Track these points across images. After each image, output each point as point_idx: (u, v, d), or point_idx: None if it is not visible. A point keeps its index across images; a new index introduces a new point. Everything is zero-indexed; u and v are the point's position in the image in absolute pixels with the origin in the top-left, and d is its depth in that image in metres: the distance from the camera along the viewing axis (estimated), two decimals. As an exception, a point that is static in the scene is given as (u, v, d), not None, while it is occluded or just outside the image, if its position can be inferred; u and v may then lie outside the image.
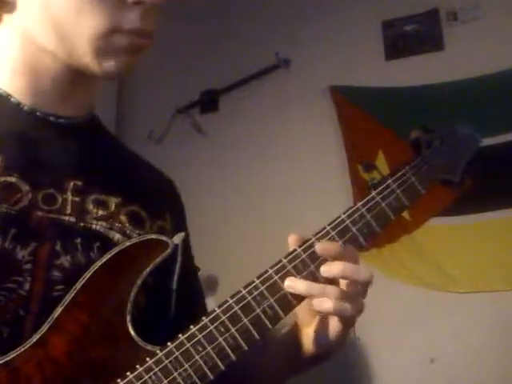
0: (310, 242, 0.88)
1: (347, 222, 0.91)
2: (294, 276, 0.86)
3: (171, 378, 0.80)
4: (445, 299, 2.57)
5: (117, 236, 0.90)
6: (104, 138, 1.03)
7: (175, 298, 0.91)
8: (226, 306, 0.84)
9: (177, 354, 0.81)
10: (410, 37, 2.92)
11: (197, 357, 0.81)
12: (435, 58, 2.84)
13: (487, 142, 2.39)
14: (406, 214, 2.56)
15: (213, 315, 0.83)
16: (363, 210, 0.92)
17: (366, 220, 0.91)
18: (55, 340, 0.79)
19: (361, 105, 2.93)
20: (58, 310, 0.81)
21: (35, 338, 0.79)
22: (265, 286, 0.85)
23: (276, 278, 0.86)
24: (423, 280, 2.63)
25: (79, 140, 0.94)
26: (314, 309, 0.86)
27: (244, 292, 0.85)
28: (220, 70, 3.26)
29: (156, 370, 0.80)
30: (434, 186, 1.00)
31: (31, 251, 0.82)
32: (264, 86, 3.16)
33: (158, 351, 0.81)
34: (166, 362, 0.80)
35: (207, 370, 0.81)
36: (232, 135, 3.17)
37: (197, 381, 0.80)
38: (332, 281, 0.87)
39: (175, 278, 0.90)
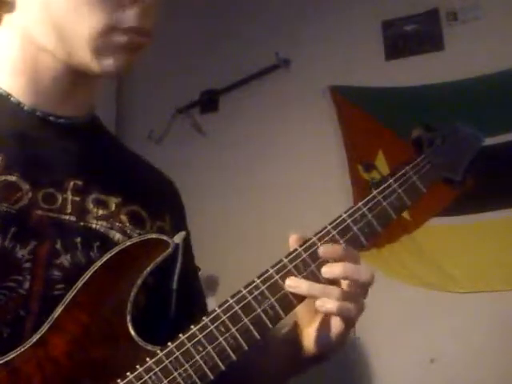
0: (311, 241, 0.88)
1: (348, 221, 0.90)
2: (295, 276, 0.86)
3: (171, 377, 0.79)
4: (445, 299, 2.57)
5: (117, 235, 0.90)
6: (104, 138, 1.03)
7: (175, 298, 0.91)
8: (226, 305, 0.84)
9: (177, 354, 0.80)
10: (410, 37, 2.92)
11: (197, 357, 0.81)
12: (435, 58, 2.84)
13: (487, 141, 2.37)
14: (406, 214, 2.56)
15: (213, 315, 0.83)
16: (364, 209, 0.92)
17: (367, 219, 0.91)
18: (55, 340, 0.79)
19: (361, 105, 2.93)
20: (58, 310, 0.80)
21: (35, 338, 0.79)
22: (265, 285, 0.85)
23: (277, 277, 0.86)
24: (423, 280, 2.63)
25: (79, 140, 0.94)
26: (317, 309, 0.86)
27: (244, 292, 0.84)
28: (220, 70, 3.26)
29: (156, 370, 0.79)
30: (435, 185, 1.00)
31: (31, 250, 0.82)
32: (264, 86, 3.16)
33: (158, 351, 0.81)
34: (167, 362, 0.80)
35: (207, 370, 0.81)
36: (232, 135, 3.16)
37: (197, 381, 0.80)
38: (333, 281, 0.87)
39: (175, 277, 0.90)
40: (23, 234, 0.82)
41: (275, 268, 0.86)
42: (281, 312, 0.85)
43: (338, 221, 0.90)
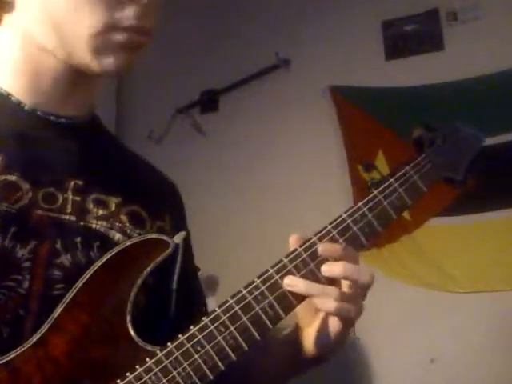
0: (311, 241, 0.88)
1: (348, 221, 0.90)
2: (295, 275, 0.86)
3: (171, 377, 0.79)
4: (445, 299, 2.57)
5: (117, 235, 0.90)
6: (104, 138, 1.03)
7: (175, 298, 0.91)
8: (226, 305, 0.84)
9: (177, 354, 0.80)
10: (410, 37, 2.92)
11: (196, 356, 0.81)
12: (435, 58, 2.84)
13: (487, 141, 2.37)
14: (406, 214, 2.56)
15: (213, 315, 0.83)
16: (365, 209, 0.92)
17: (367, 219, 0.91)
18: (55, 340, 0.79)
19: (361, 105, 2.93)
20: (58, 310, 0.80)
21: (35, 337, 0.79)
22: (265, 285, 0.85)
23: (277, 277, 0.86)
24: (423, 280, 2.63)
25: (80, 139, 0.94)
26: (317, 307, 0.86)
27: (244, 292, 0.84)
28: (220, 70, 3.26)
29: (156, 370, 0.79)
30: (436, 185, 1.00)
31: (31, 249, 0.82)
32: (264, 86, 3.16)
33: (157, 351, 0.81)
34: (166, 362, 0.80)
35: (207, 370, 0.81)
36: (232, 135, 3.17)
37: (196, 381, 0.80)
38: (332, 282, 0.87)
39: (175, 277, 0.90)
40: (23, 233, 0.82)
41: (275, 268, 0.86)
42: (281, 312, 0.85)
43: (338, 221, 0.90)
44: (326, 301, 0.85)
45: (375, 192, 0.94)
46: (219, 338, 0.82)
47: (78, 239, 0.86)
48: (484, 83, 2.66)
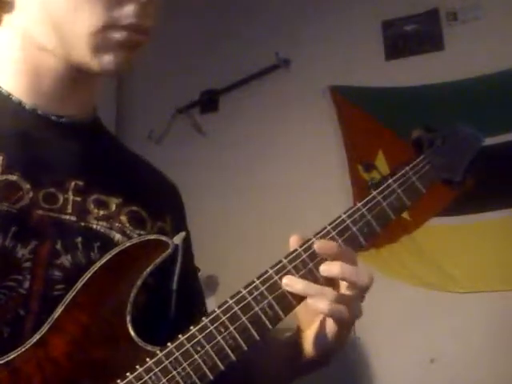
0: (311, 242, 0.88)
1: (348, 221, 0.91)
2: (294, 276, 0.86)
3: (171, 377, 0.79)
4: (445, 299, 2.57)
5: (117, 236, 0.90)
6: (105, 139, 1.03)
7: (175, 299, 0.91)
8: (226, 306, 0.84)
9: (177, 354, 0.80)
10: (410, 37, 2.92)
11: (196, 356, 0.81)
12: (435, 58, 2.84)
13: (487, 141, 2.37)
14: (405, 214, 2.56)
15: (213, 316, 0.83)
16: (364, 209, 0.92)
17: (366, 220, 0.91)
18: (55, 340, 0.79)
19: (361, 105, 2.93)
20: (58, 311, 0.81)
21: (35, 338, 0.79)
22: (265, 286, 0.85)
23: (276, 278, 0.86)
24: (423, 280, 2.63)
25: (81, 140, 0.94)
26: (310, 307, 0.86)
27: (244, 292, 0.85)
28: (220, 70, 3.26)
29: (156, 370, 0.80)
30: (435, 186, 1.00)
31: (31, 249, 0.83)
32: (264, 86, 3.16)
33: (157, 352, 0.81)
34: (166, 362, 0.80)
35: (207, 370, 0.81)
36: (232, 135, 3.17)
37: (196, 381, 0.80)
38: (331, 283, 0.87)
39: (175, 278, 0.90)
40: (24, 233, 0.83)
41: (275, 269, 0.86)
42: (280, 312, 0.85)
43: (337, 221, 0.90)
44: (320, 301, 0.84)
45: (374, 193, 0.94)
46: (219, 338, 0.82)
47: (79, 240, 0.87)
48: (484, 83, 2.66)
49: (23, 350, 0.78)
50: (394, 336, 2.60)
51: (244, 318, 0.83)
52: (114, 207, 0.91)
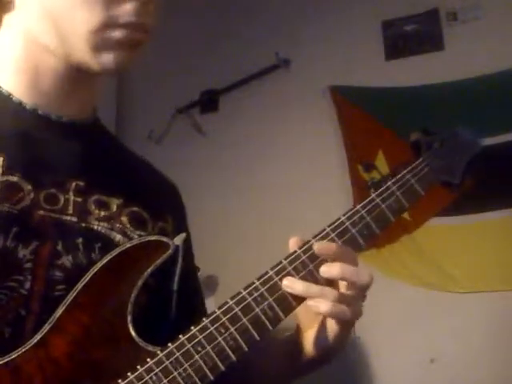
0: (310, 243, 0.88)
1: (347, 223, 0.91)
2: (294, 277, 0.86)
3: (171, 378, 0.80)
4: (445, 299, 2.57)
5: (118, 237, 0.90)
6: (106, 140, 1.03)
7: (176, 299, 0.91)
8: (226, 307, 0.84)
9: (177, 354, 0.81)
10: (410, 37, 2.92)
11: (197, 357, 0.81)
12: (435, 58, 2.84)
13: (487, 141, 2.39)
14: (405, 214, 2.56)
15: (213, 316, 0.83)
16: (363, 211, 0.92)
17: (365, 222, 0.92)
18: (56, 341, 0.79)
19: (361, 105, 2.93)
20: (59, 311, 0.81)
21: (36, 338, 0.79)
22: (265, 287, 0.85)
23: (276, 279, 0.86)
24: (423, 280, 2.63)
25: (81, 140, 0.94)
26: (312, 309, 0.86)
27: (244, 293, 0.85)
28: (220, 70, 3.26)
29: (157, 370, 0.80)
30: (434, 187, 1.00)
31: (32, 250, 0.83)
32: (264, 86, 3.16)
33: (158, 352, 0.81)
34: (167, 362, 0.80)
35: (207, 371, 0.81)
36: (232, 135, 3.17)
37: (197, 381, 0.81)
38: (332, 283, 0.87)
39: (176, 279, 0.90)
40: (25, 234, 0.83)
41: (275, 270, 0.87)
42: (280, 313, 0.85)
43: (336, 223, 0.91)
44: (321, 303, 0.85)
45: (373, 195, 0.94)
46: (219, 338, 0.82)
47: (80, 240, 0.87)
48: (484, 83, 2.66)
49: (24, 350, 0.78)
50: (394, 336, 2.60)
51: (244, 319, 0.83)
52: (114, 208, 0.92)
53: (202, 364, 0.81)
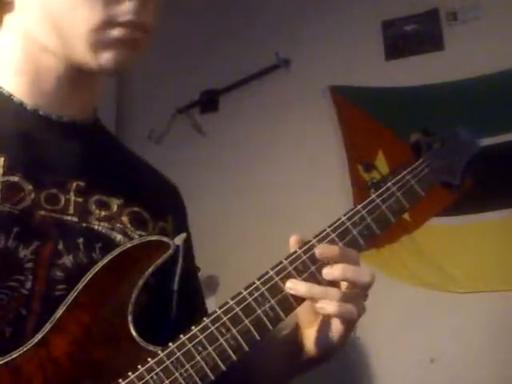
0: (311, 243, 0.89)
1: (347, 224, 0.91)
2: (295, 277, 0.87)
3: (172, 378, 0.80)
4: (445, 299, 2.57)
5: (118, 237, 0.90)
6: (107, 140, 1.03)
7: (176, 299, 0.91)
8: (226, 307, 0.84)
9: (178, 354, 0.81)
10: (410, 37, 2.92)
11: (198, 357, 0.81)
12: (435, 58, 2.84)
13: (487, 141, 2.39)
14: (405, 215, 2.56)
15: (214, 316, 0.83)
16: (363, 212, 0.92)
17: (366, 222, 0.92)
18: (57, 340, 0.79)
19: (361, 105, 2.93)
20: (60, 311, 0.81)
21: (37, 338, 0.79)
22: (266, 287, 0.86)
23: (277, 279, 0.86)
24: (423, 280, 2.63)
25: (82, 141, 0.94)
26: (318, 312, 0.86)
27: (245, 293, 0.85)
28: (220, 70, 3.26)
29: (157, 370, 0.80)
30: (434, 188, 1.01)
31: (33, 250, 0.83)
32: (264, 86, 3.16)
33: (159, 351, 0.81)
34: (168, 362, 0.80)
35: (208, 371, 0.81)
36: (232, 135, 3.16)
37: (198, 381, 0.81)
38: (333, 282, 0.87)
39: (176, 278, 0.90)
40: (26, 234, 0.83)
41: (275, 270, 0.87)
42: (281, 313, 0.85)
43: (337, 223, 0.91)
44: (329, 303, 0.85)
45: (373, 196, 0.94)
46: (220, 338, 0.82)
47: (80, 240, 0.87)
48: (484, 83, 2.66)
49: (25, 349, 0.78)
50: (394, 336, 2.60)
51: (245, 319, 0.84)
52: (115, 208, 0.92)
53: (203, 364, 0.81)
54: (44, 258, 0.83)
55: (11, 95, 0.90)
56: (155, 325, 0.89)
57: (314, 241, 0.89)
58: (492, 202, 2.55)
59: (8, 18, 0.91)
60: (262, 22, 3.22)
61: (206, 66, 3.28)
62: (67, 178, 0.89)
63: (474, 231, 2.59)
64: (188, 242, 0.99)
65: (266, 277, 0.86)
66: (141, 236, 0.91)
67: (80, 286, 0.82)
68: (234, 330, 0.83)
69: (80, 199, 0.89)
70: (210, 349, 0.82)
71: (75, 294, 0.82)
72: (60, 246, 0.85)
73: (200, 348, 0.81)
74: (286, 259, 0.88)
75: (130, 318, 0.83)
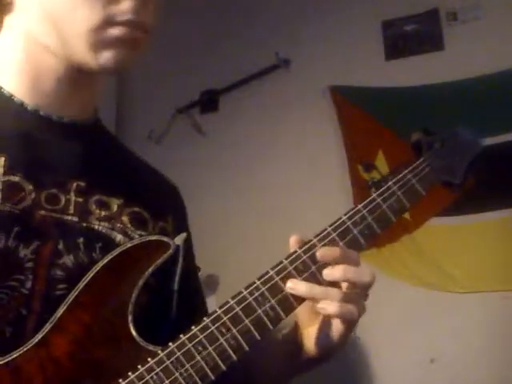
0: (311, 243, 0.89)
1: (348, 223, 0.91)
2: (295, 277, 0.87)
3: (172, 378, 0.80)
4: (445, 299, 2.57)
5: (119, 237, 0.90)
6: (107, 140, 1.03)
7: (176, 299, 0.91)
8: (227, 306, 0.84)
9: (178, 354, 0.81)
10: (410, 37, 2.92)
11: (198, 357, 0.81)
12: (435, 58, 2.84)
13: (487, 141, 2.39)
14: (406, 214, 2.56)
15: (214, 316, 0.83)
16: (364, 211, 0.92)
17: (367, 222, 0.92)
18: (57, 340, 0.80)
19: (361, 105, 2.92)
20: (60, 310, 0.81)
21: (37, 338, 0.79)
22: (266, 287, 0.86)
23: (277, 279, 0.86)
24: (423, 280, 2.63)
25: (82, 141, 0.94)
26: (319, 312, 0.86)
27: (245, 293, 0.85)
28: (220, 70, 3.26)
29: (157, 370, 0.80)
30: (435, 187, 1.01)
31: (34, 250, 0.83)
32: (264, 86, 3.16)
33: (159, 351, 0.81)
34: (168, 362, 0.80)
35: (208, 371, 0.81)
36: (232, 135, 3.16)
37: (198, 381, 0.81)
38: (333, 283, 0.87)
39: (177, 278, 0.90)
40: (26, 233, 0.83)
41: (275, 269, 0.87)
42: (281, 313, 0.85)
43: (337, 223, 0.91)
44: (329, 304, 0.85)
45: (374, 195, 0.94)
46: (220, 338, 0.82)
47: (81, 240, 0.87)
48: (484, 83, 2.66)
49: (25, 349, 0.78)
50: (393, 336, 2.60)
51: (245, 319, 0.84)
52: (115, 208, 0.92)
53: (203, 364, 0.81)
54: (44, 257, 0.83)
55: (12, 95, 0.90)
56: (155, 325, 0.89)
57: (315, 240, 0.89)
58: (492, 201, 2.55)
59: (8, 19, 0.91)
60: (261, 22, 3.22)
61: (206, 66, 3.28)
62: (67, 178, 0.89)
63: (474, 231, 2.59)
64: (188, 241, 0.99)
65: (266, 276, 0.86)
66: (141, 236, 0.91)
67: (80, 285, 0.83)
68: (234, 330, 0.83)
69: (80, 199, 0.89)
70: (210, 348, 0.82)
71: (76, 294, 0.82)
72: (60, 246, 0.85)
73: (200, 348, 0.81)
74: (286, 259, 0.88)
75: (130, 318, 0.83)
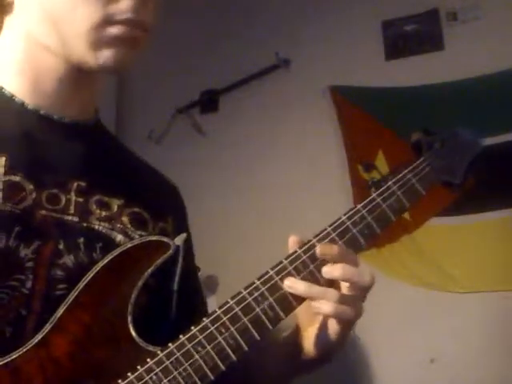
0: (311, 243, 0.89)
1: (348, 223, 0.91)
2: (295, 277, 0.87)
3: (172, 377, 0.80)
4: (445, 299, 2.57)
5: (119, 237, 0.90)
6: (108, 141, 1.03)
7: (176, 299, 0.91)
8: (226, 306, 0.84)
9: (178, 354, 0.81)
10: (410, 37, 2.92)
11: (197, 357, 0.81)
12: (435, 58, 2.84)
13: (487, 141, 2.39)
14: (406, 214, 2.56)
15: (213, 316, 0.83)
16: (364, 211, 0.92)
17: (366, 221, 0.92)
18: (57, 340, 0.80)
19: (361, 105, 2.92)
20: (61, 311, 0.81)
21: (37, 338, 0.79)
22: (265, 287, 0.86)
23: (276, 279, 0.86)
24: (423, 280, 2.63)
25: (83, 141, 0.94)
26: (316, 310, 0.86)
27: (245, 293, 0.85)
28: (220, 70, 3.26)
29: (157, 370, 0.80)
30: (435, 187, 1.01)
31: (34, 249, 0.83)
32: (264, 86, 3.16)
33: (158, 352, 0.81)
34: (167, 362, 0.80)
35: (207, 371, 0.81)
36: (232, 135, 3.16)
37: (197, 381, 0.81)
38: (332, 283, 0.87)
39: (176, 279, 0.90)
40: (27, 233, 0.83)
41: (275, 269, 0.87)
42: (280, 313, 0.85)
43: (337, 223, 0.91)
44: (325, 303, 0.85)
45: (374, 195, 0.94)
46: (220, 338, 0.82)
47: (81, 240, 0.87)
48: (484, 83, 2.66)
49: (25, 349, 0.78)
50: (393, 336, 2.60)
51: (245, 319, 0.84)
52: (115, 208, 0.92)
53: (203, 364, 0.81)
54: (45, 257, 0.84)
55: (13, 95, 0.90)
56: (155, 325, 0.89)
57: (315, 240, 0.89)
58: (492, 201, 2.55)
59: (9, 20, 0.91)
60: (261, 22, 3.22)
61: (206, 66, 3.28)
62: (68, 178, 0.89)
63: (474, 231, 2.59)
64: (188, 241, 0.99)
65: (265, 276, 0.86)
66: (141, 236, 0.91)
67: (80, 285, 0.83)
68: (233, 330, 0.83)
69: (81, 199, 0.89)
70: (208, 348, 0.82)
71: (76, 294, 0.82)
72: (61, 246, 0.85)
73: (199, 348, 0.81)
74: (286, 259, 0.88)
75: (129, 319, 0.83)
